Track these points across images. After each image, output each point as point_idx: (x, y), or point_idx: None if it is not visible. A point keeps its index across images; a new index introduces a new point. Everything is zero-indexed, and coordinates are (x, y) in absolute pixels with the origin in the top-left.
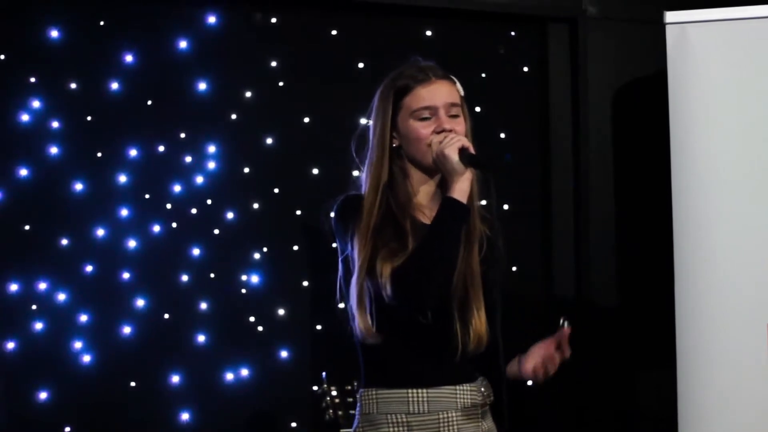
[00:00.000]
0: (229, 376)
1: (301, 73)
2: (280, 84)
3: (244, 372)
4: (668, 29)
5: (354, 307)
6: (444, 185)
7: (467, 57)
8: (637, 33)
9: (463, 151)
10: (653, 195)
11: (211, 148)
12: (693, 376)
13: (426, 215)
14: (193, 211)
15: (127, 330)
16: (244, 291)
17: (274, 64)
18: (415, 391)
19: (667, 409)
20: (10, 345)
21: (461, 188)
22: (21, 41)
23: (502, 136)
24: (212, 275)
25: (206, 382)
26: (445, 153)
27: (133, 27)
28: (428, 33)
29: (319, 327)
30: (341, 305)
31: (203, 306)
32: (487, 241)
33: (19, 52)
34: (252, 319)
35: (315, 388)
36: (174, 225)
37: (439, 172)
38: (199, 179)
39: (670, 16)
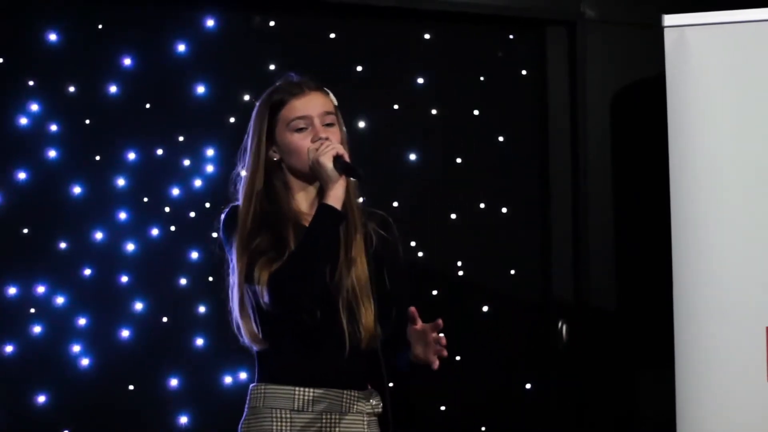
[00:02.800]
0: (228, 380)
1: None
2: None
3: (243, 375)
4: (666, 32)
5: (237, 316)
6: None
7: (466, 60)
8: (635, 36)
9: (337, 159)
10: (652, 197)
11: (210, 152)
12: (692, 377)
13: (308, 221)
14: (192, 214)
15: (125, 333)
16: None
17: (272, 67)
18: (301, 389)
19: (666, 411)
20: (9, 348)
21: (335, 195)
22: (19, 44)
23: (501, 139)
24: (210, 278)
25: (205, 385)
26: (320, 161)
27: (131, 30)
28: (427, 36)
29: None
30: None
31: (202, 309)
32: (376, 237)
33: (18, 55)
34: None
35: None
36: (172, 228)
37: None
38: (198, 182)
39: (669, 20)
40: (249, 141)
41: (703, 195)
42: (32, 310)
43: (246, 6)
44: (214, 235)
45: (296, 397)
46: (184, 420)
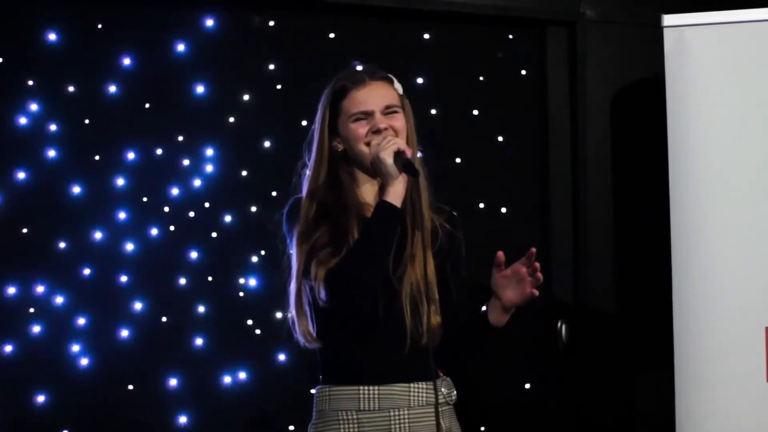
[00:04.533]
0: (227, 380)
1: (298, 77)
2: (278, 87)
3: (242, 375)
4: (666, 32)
5: (293, 312)
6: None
7: (465, 60)
8: (635, 36)
9: (398, 155)
10: (651, 198)
11: (209, 152)
12: (691, 378)
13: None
14: (191, 214)
15: (125, 333)
16: (241, 294)
17: (271, 67)
18: (366, 388)
19: (665, 412)
20: (8, 348)
21: (395, 192)
22: (19, 44)
23: (500, 139)
24: (210, 278)
25: (204, 385)
26: (380, 156)
27: (130, 30)
28: (426, 36)
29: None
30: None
31: (201, 309)
32: (443, 232)
33: (17, 55)
34: (250, 322)
35: (313, 390)
36: (172, 228)
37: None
38: (197, 182)
39: (668, 20)
40: (314, 132)
41: (702, 195)
42: (32, 310)
43: (245, 6)
44: (214, 235)
45: (361, 396)
46: (183, 420)
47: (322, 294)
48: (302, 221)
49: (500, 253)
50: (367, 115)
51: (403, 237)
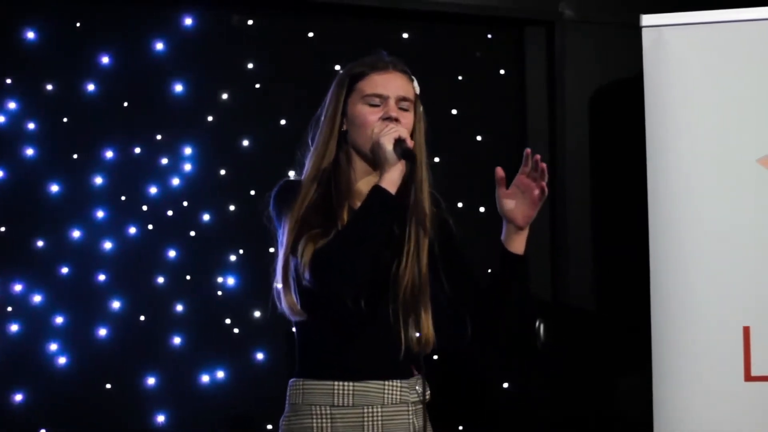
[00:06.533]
0: (205, 378)
1: (277, 76)
2: (257, 86)
3: (220, 374)
4: (645, 32)
5: (280, 284)
6: None
7: (444, 60)
8: (614, 36)
9: (398, 142)
10: (630, 198)
11: (188, 150)
12: (669, 377)
13: None
14: (169, 213)
15: (102, 332)
16: (220, 293)
17: (250, 66)
18: (341, 383)
19: (644, 412)
20: None
21: (391, 178)
22: None
23: (479, 138)
24: (188, 277)
25: (182, 384)
26: (380, 142)
27: (109, 29)
28: (405, 35)
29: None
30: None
31: (179, 308)
32: (437, 223)
33: None
34: (228, 321)
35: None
36: (150, 227)
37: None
38: (176, 181)
39: (647, 20)
40: (324, 110)
41: (680, 194)
42: (9, 309)
43: (224, 5)
44: (192, 233)
45: (335, 392)
46: (161, 419)
47: (306, 275)
48: (300, 199)
49: (499, 169)
50: (382, 100)
51: (402, 233)
